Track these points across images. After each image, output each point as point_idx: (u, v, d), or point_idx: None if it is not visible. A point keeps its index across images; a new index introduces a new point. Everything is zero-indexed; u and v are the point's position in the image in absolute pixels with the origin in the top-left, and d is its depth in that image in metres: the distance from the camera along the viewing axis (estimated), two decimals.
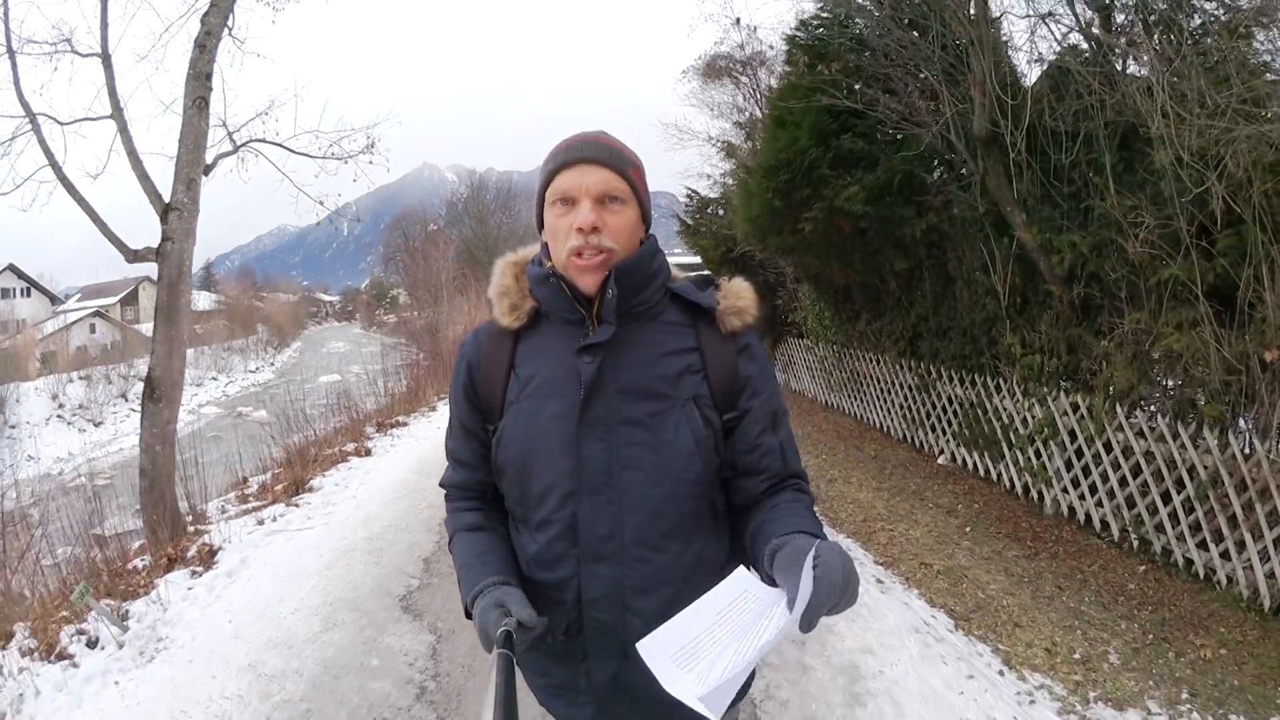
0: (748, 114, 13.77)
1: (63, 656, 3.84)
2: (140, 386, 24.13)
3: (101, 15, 6.39)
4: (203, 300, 59.47)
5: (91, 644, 4.00)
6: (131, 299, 53.58)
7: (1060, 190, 5.50)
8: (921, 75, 5.94)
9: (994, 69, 5.32)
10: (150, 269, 6.37)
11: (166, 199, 5.80)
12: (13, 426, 27.38)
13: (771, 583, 1.12)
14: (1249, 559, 4.26)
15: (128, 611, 4.33)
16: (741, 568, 1.17)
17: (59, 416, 29.50)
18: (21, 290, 46.55)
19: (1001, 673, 3.69)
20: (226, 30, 6.67)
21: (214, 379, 38.84)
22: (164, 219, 5.74)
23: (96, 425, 29.13)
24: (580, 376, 1.29)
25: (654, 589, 1.30)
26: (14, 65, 6.13)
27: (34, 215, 7.11)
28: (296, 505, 6.15)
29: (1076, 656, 3.88)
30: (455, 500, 1.49)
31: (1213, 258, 4.54)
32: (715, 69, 14.14)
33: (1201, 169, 4.22)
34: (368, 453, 8.44)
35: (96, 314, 44.97)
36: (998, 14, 6.01)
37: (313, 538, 5.36)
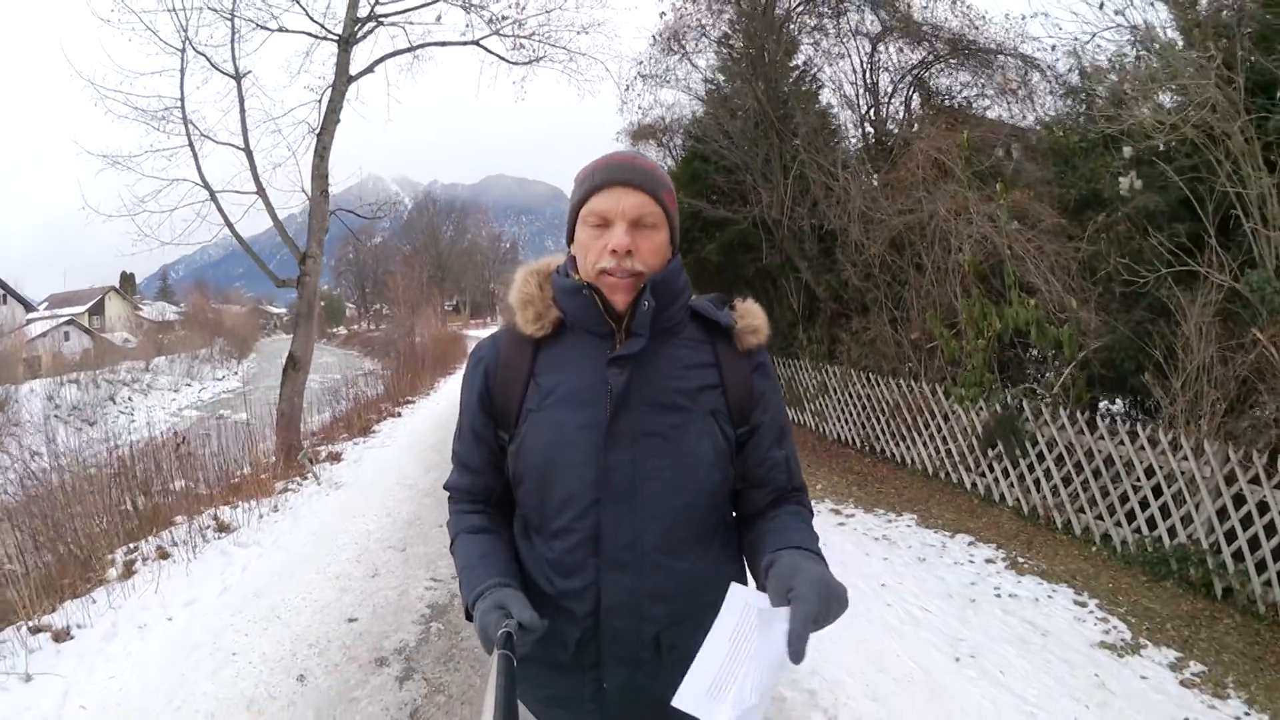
0: (666, 169, 17.57)
1: (285, 491, 7.55)
2: (125, 391, 27.14)
3: (241, 119, 9.64)
4: (165, 311, 61.18)
5: (298, 485, 7.71)
6: (99, 309, 55.35)
7: (822, 248, 9.61)
8: (750, 178, 10.02)
9: (784, 180, 9.38)
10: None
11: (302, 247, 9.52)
12: (16, 425, 29.89)
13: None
14: (920, 449, 7.78)
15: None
16: (735, 585, 1.21)
17: (55, 416, 31.89)
18: None
19: None
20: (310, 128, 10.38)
21: (188, 385, 41.18)
22: (302, 263, 9.41)
23: (91, 425, 31.53)
24: (607, 388, 1.34)
25: (670, 596, 1.37)
26: (195, 154, 9.34)
27: None
28: (371, 436, 10.04)
29: None
30: (459, 503, 1.55)
31: (898, 286, 8.58)
32: (642, 132, 17.91)
33: (866, 240, 8.29)
34: (398, 415, 12.34)
35: (70, 322, 46.82)
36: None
37: (394, 449, 9.31)
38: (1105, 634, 4.38)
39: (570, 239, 1.43)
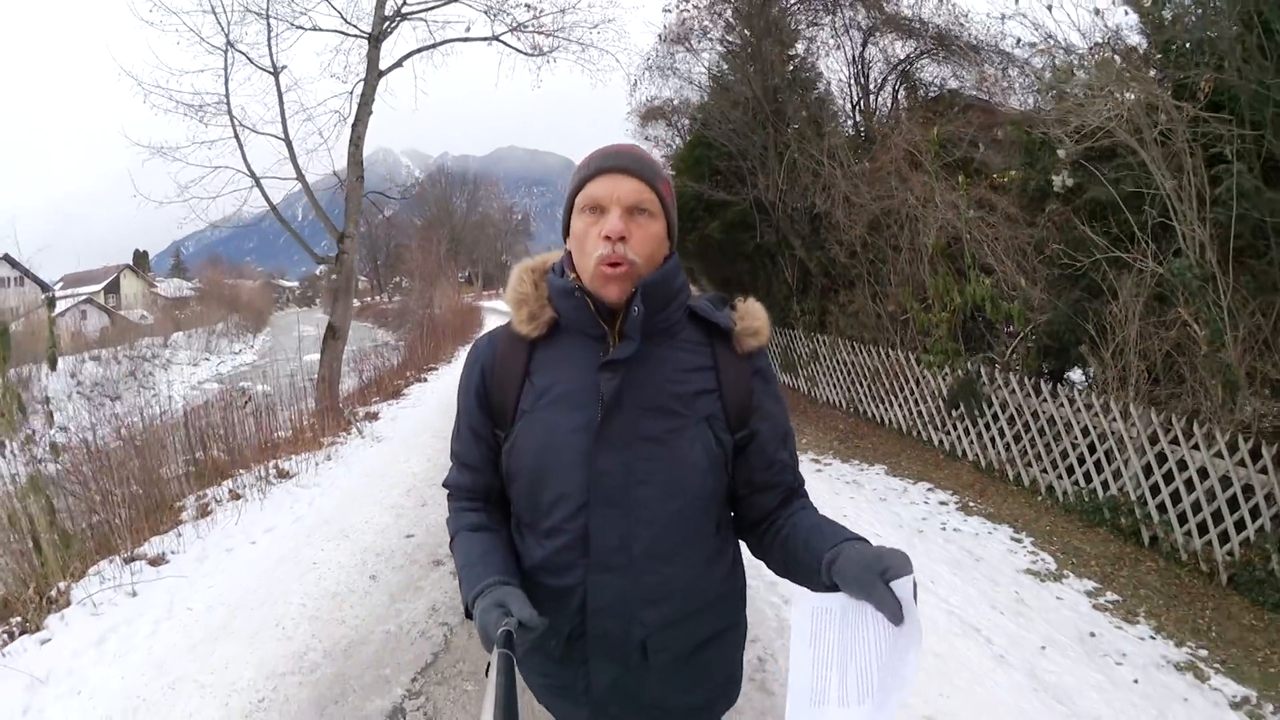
0: (674, 148, 18.28)
1: (333, 444, 8.53)
2: (146, 366, 28.30)
3: (280, 110, 10.66)
4: (180, 288, 61.96)
5: (343, 439, 8.70)
6: (114, 287, 56.09)
7: (813, 228, 10.51)
8: (749, 163, 10.92)
9: (779, 166, 10.26)
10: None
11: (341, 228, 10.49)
12: (39, 401, 30.91)
13: (830, 587, 1.18)
14: (896, 410, 8.77)
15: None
16: (799, 594, 1.20)
17: (79, 393, 32.85)
18: (15, 279, 48.79)
19: None
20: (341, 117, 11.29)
21: (207, 359, 42.01)
22: (340, 242, 10.36)
23: (114, 400, 32.44)
24: (600, 391, 1.31)
25: (661, 600, 1.36)
26: (240, 146, 10.39)
27: None
28: (403, 398, 11.09)
29: None
30: (459, 501, 1.54)
31: (878, 264, 9.45)
32: (651, 113, 18.59)
33: (851, 223, 9.17)
34: (424, 380, 13.41)
35: (88, 301, 47.82)
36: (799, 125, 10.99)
37: (424, 410, 10.34)
38: (1033, 564, 5.10)
39: (566, 232, 1.40)
